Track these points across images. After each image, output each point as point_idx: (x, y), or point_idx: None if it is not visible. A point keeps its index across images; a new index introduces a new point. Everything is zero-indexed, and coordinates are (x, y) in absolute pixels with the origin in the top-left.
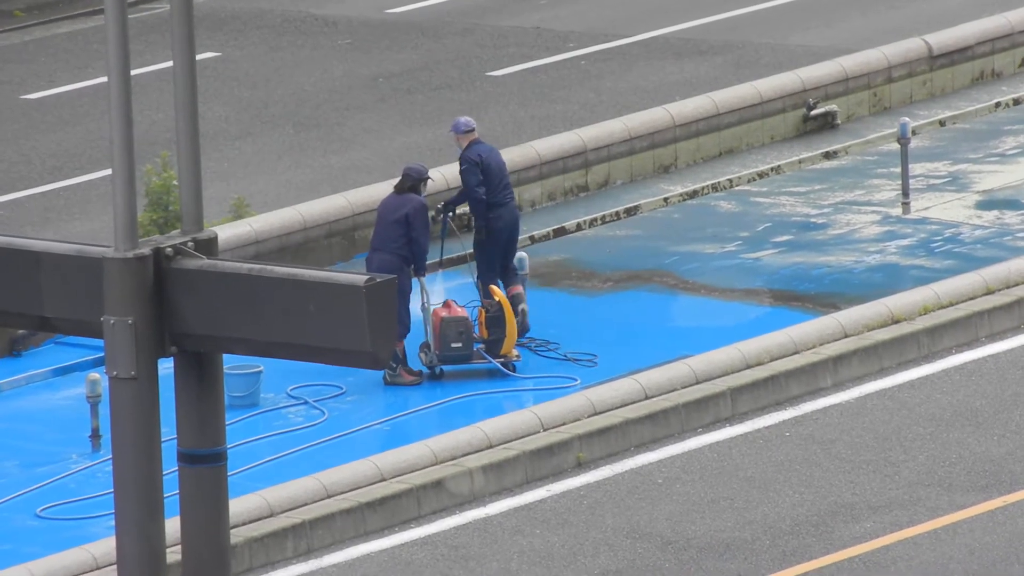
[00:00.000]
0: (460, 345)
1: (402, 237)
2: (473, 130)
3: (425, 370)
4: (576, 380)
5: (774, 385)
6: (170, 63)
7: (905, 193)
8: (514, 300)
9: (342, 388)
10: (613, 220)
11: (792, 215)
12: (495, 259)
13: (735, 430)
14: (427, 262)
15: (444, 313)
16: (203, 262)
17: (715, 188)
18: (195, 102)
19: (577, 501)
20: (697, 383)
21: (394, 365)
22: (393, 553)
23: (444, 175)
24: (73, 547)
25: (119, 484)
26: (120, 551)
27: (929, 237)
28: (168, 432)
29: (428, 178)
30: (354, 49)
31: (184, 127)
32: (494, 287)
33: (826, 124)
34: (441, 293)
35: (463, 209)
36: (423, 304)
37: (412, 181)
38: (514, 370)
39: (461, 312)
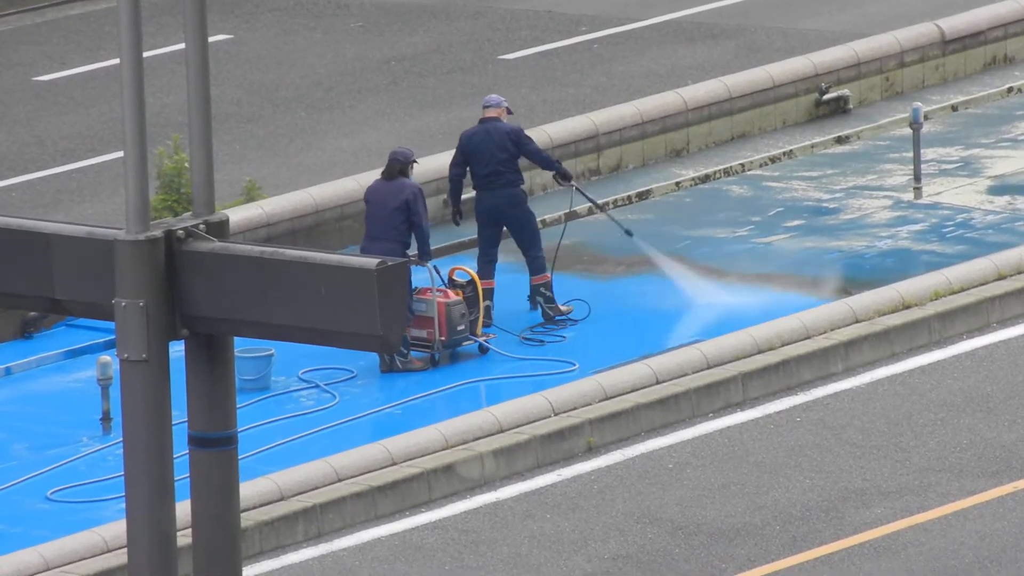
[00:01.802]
0: (463, 328)
1: (403, 223)
2: (489, 107)
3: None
4: (574, 365)
5: (785, 370)
6: (182, 45)
7: (917, 178)
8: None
9: (353, 372)
10: (625, 204)
11: (804, 200)
12: (481, 241)
13: (746, 415)
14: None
15: (442, 298)
16: (215, 245)
17: (727, 172)
18: (207, 84)
19: (588, 486)
20: (708, 368)
21: (404, 351)
22: (404, 537)
23: None
24: (83, 530)
25: (129, 467)
26: (130, 534)
27: (941, 222)
28: (179, 415)
29: (415, 161)
30: (366, 32)
31: (196, 109)
32: (465, 267)
33: (838, 109)
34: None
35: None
36: (433, 290)
37: (400, 165)
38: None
39: (455, 295)
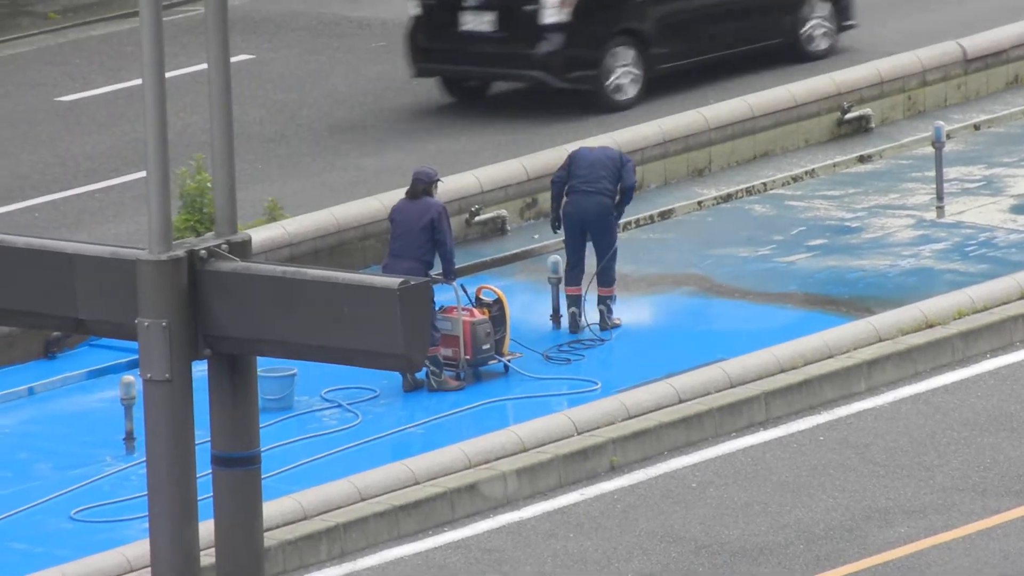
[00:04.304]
0: (489, 347)
1: (428, 243)
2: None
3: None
4: (597, 384)
5: (808, 389)
6: (204, 65)
7: (939, 197)
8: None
9: (376, 391)
10: (647, 223)
11: (826, 219)
12: (567, 247)
13: (769, 434)
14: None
15: (468, 317)
16: (237, 264)
17: (749, 191)
18: (229, 104)
19: (611, 505)
20: (731, 387)
21: (437, 371)
22: (427, 556)
23: (478, 177)
24: (107, 550)
25: (153, 487)
26: (154, 554)
27: (963, 241)
28: (202, 435)
29: (439, 180)
30: (388, 51)
31: (218, 129)
32: (492, 286)
33: (860, 128)
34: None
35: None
36: (459, 309)
37: (425, 184)
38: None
39: (480, 314)
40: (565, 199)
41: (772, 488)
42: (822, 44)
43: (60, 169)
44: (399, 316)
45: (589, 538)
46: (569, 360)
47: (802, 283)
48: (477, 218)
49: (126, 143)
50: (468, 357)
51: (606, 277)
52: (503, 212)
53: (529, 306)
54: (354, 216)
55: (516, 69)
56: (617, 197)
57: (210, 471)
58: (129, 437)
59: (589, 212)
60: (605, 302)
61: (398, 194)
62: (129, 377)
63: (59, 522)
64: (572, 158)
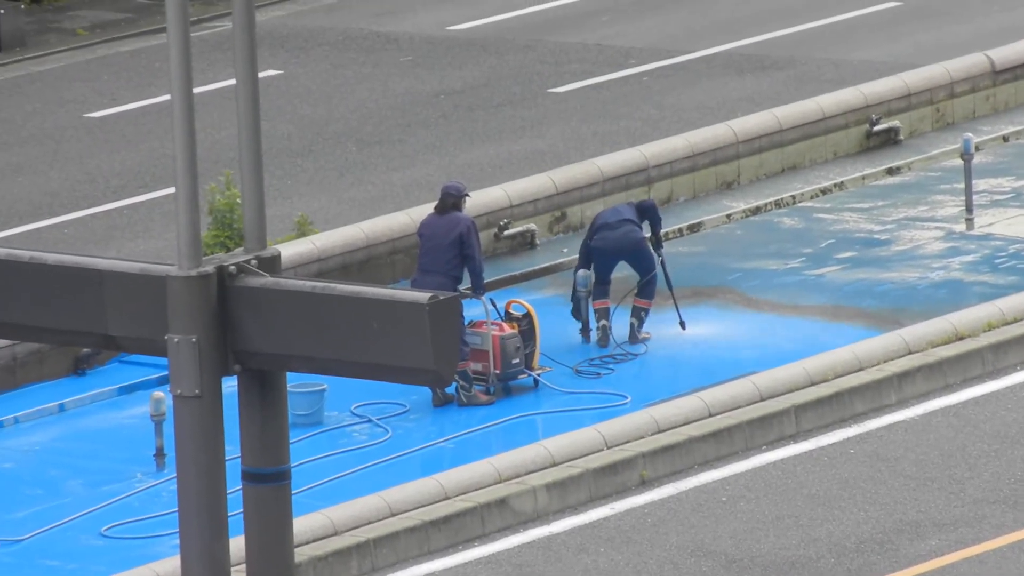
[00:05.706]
0: (518, 361)
1: (457, 257)
2: None
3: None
4: (627, 398)
5: (838, 402)
6: (233, 81)
7: (968, 209)
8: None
9: (406, 406)
10: (676, 237)
11: (855, 231)
12: (596, 272)
13: (799, 447)
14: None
15: (498, 331)
16: (266, 280)
17: (778, 204)
18: (258, 120)
19: (641, 519)
20: (761, 400)
21: (467, 385)
22: (457, 571)
23: (506, 191)
24: (138, 566)
25: (183, 503)
26: (185, 570)
27: (993, 253)
28: (232, 451)
29: (467, 195)
30: (416, 66)
31: (247, 145)
32: (521, 300)
33: (889, 140)
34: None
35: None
36: (488, 323)
37: (453, 199)
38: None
39: (510, 328)
40: (594, 238)
41: (803, 501)
42: None
43: (89, 186)
44: (428, 331)
45: (619, 552)
46: (599, 374)
47: (832, 296)
48: (506, 232)
49: (155, 159)
50: (498, 371)
51: (648, 290)
52: (532, 226)
53: (559, 320)
54: (383, 231)
55: None
56: (648, 232)
57: (240, 487)
58: (159, 453)
59: (622, 242)
60: (639, 314)
61: (427, 209)
62: (159, 393)
63: (90, 539)
64: (592, 222)
